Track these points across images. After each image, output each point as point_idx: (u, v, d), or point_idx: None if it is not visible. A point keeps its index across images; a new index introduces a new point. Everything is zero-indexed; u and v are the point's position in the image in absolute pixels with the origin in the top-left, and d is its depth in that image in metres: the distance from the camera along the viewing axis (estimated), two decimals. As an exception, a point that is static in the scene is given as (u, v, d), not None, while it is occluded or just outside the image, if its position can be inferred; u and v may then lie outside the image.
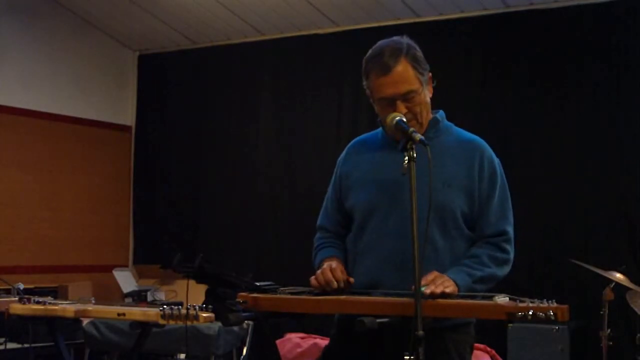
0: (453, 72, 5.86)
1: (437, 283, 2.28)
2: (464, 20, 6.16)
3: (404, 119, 2.40)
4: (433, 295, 2.23)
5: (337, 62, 6.71)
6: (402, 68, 2.48)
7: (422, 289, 2.23)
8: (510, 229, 2.55)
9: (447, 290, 2.27)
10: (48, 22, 7.07)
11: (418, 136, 2.28)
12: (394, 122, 2.39)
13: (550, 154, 5.76)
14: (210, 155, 7.29)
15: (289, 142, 6.89)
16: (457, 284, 2.34)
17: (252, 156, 7.07)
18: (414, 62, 2.51)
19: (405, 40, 2.55)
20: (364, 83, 2.58)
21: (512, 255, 2.54)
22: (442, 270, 2.41)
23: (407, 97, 2.49)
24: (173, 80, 7.59)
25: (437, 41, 5.99)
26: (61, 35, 7.17)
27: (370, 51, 2.58)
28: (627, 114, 5.53)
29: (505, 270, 2.53)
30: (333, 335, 2.66)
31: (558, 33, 5.82)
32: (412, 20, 6.31)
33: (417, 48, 2.55)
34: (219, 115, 7.29)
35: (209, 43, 7.38)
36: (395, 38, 2.57)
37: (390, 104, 2.49)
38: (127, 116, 7.78)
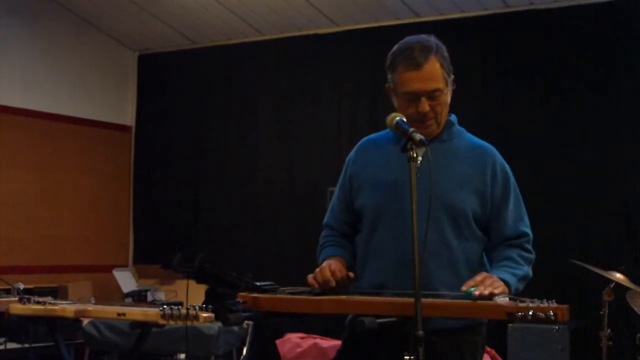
0: (453, 72, 5.86)
1: (486, 284, 2.28)
2: (464, 20, 6.17)
3: (404, 119, 2.41)
4: (482, 297, 2.23)
5: (337, 62, 6.71)
6: (432, 65, 2.50)
7: (472, 289, 2.25)
8: (529, 231, 2.59)
9: (497, 291, 2.27)
10: (48, 22, 7.07)
11: (418, 136, 2.29)
12: (394, 122, 2.40)
13: (550, 154, 5.76)
14: (210, 155, 7.29)
15: (289, 142, 6.89)
16: (507, 284, 2.36)
17: (252, 156, 7.07)
18: (443, 61, 2.53)
19: (433, 39, 2.57)
20: (388, 76, 2.58)
21: (534, 256, 2.58)
22: (455, 269, 2.45)
23: (433, 95, 2.51)
24: (173, 80, 7.59)
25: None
26: (61, 35, 7.17)
27: (397, 45, 2.58)
28: (628, 114, 5.53)
29: (531, 270, 2.55)
30: (345, 339, 2.66)
31: (558, 33, 5.82)
32: (412, 20, 6.30)
33: (445, 48, 2.57)
34: (219, 115, 7.29)
35: (209, 43, 7.38)
36: (424, 36, 2.58)
37: (414, 99, 2.50)
38: (127, 116, 7.78)
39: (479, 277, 2.33)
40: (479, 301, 2.23)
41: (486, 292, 2.24)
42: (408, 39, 2.59)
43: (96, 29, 7.41)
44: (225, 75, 7.26)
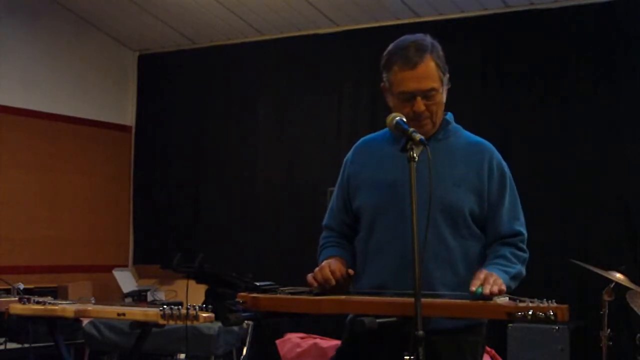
0: (453, 72, 5.83)
1: (490, 282, 2.28)
2: (464, 20, 6.17)
3: (404, 119, 2.41)
4: (492, 295, 2.23)
5: (337, 62, 6.71)
6: (427, 65, 2.50)
7: (480, 289, 2.25)
8: (524, 230, 2.59)
9: (504, 287, 2.28)
10: (48, 22, 7.07)
11: (418, 136, 2.29)
12: (394, 122, 2.39)
13: (550, 154, 5.76)
14: (210, 155, 7.29)
15: (289, 142, 6.89)
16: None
17: (251, 156, 7.07)
18: (438, 60, 2.53)
19: (428, 38, 2.57)
20: (384, 76, 2.58)
21: (527, 255, 2.58)
22: (455, 269, 2.46)
23: (428, 94, 2.51)
24: (173, 80, 7.59)
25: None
26: (61, 35, 7.17)
27: (393, 45, 2.58)
28: (627, 114, 5.53)
29: (524, 269, 2.55)
30: (344, 338, 2.66)
31: (558, 33, 5.82)
32: (412, 20, 6.30)
33: (440, 48, 2.57)
34: (218, 115, 7.29)
35: (209, 43, 7.38)
36: (419, 35, 2.58)
37: (410, 99, 2.50)
38: (127, 116, 7.78)
39: (481, 275, 2.33)
40: (479, 301, 2.23)
41: (495, 289, 2.25)
42: (403, 38, 2.58)
43: (96, 29, 7.41)
44: (225, 75, 7.25)
